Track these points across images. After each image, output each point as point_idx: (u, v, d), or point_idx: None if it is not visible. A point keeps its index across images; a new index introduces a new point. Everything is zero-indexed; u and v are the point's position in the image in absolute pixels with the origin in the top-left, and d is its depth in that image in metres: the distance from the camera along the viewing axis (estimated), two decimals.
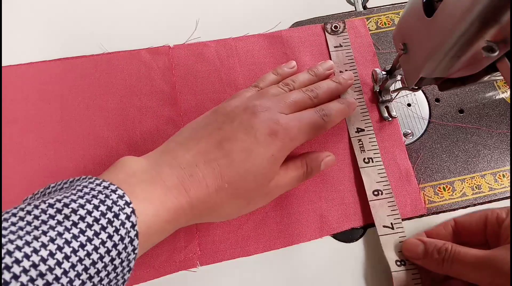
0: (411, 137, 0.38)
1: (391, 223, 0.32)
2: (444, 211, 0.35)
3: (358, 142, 0.36)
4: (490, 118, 0.38)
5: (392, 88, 0.38)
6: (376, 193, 0.34)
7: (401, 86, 0.37)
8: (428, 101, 0.39)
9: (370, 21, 0.42)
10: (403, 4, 0.43)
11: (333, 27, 0.40)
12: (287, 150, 0.30)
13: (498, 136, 0.38)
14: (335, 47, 0.39)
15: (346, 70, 0.38)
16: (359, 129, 0.36)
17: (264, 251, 0.33)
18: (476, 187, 0.36)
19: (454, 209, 0.35)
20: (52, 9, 0.42)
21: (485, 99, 0.39)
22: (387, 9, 0.43)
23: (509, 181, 0.36)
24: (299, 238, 0.34)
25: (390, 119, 0.37)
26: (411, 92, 0.40)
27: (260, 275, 0.33)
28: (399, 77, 0.36)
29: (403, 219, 0.34)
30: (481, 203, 0.35)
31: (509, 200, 0.36)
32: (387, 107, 0.38)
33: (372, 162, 0.35)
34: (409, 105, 0.39)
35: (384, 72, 0.35)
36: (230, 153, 0.28)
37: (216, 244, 0.33)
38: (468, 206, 0.35)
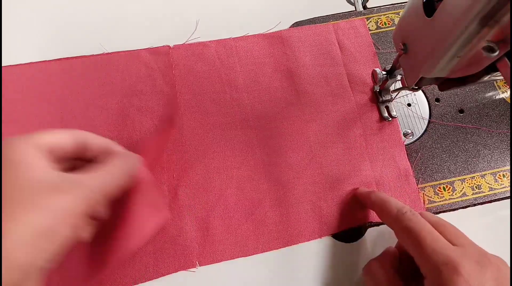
0: (411, 137, 0.38)
1: None
2: (444, 211, 0.35)
3: None
4: (490, 118, 0.38)
5: (392, 88, 0.38)
6: None
7: (401, 86, 0.37)
8: (428, 101, 0.39)
9: (370, 21, 0.42)
10: (403, 4, 0.43)
11: None
12: None
13: (498, 136, 0.37)
14: None
15: None
16: None
17: (264, 251, 0.33)
18: (476, 187, 0.36)
19: (454, 209, 0.35)
20: (52, 9, 0.42)
21: (485, 99, 0.39)
22: (387, 9, 0.43)
23: (509, 181, 0.36)
24: (299, 238, 0.34)
25: (390, 119, 0.37)
26: (411, 92, 0.40)
27: (260, 275, 0.33)
28: (399, 77, 0.36)
29: None
30: (481, 203, 0.35)
31: (509, 200, 0.36)
32: (387, 107, 0.38)
33: None
34: (409, 105, 0.39)
35: (384, 72, 0.35)
36: None
37: (216, 244, 0.33)
38: (468, 206, 0.35)
